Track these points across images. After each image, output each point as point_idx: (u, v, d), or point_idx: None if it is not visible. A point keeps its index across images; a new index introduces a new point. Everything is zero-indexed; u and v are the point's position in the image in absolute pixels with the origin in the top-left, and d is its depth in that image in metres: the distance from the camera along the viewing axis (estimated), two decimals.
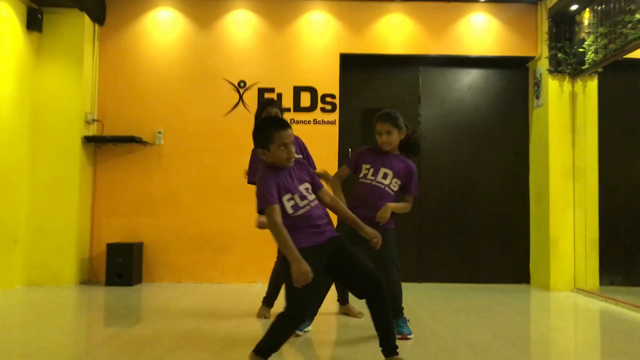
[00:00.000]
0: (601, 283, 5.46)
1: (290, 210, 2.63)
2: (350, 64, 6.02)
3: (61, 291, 5.20)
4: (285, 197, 2.63)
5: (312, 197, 2.72)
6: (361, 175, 3.52)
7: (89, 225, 5.76)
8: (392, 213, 3.44)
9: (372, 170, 3.49)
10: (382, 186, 3.44)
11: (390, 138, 3.45)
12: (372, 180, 3.47)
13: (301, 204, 2.67)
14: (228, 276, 5.71)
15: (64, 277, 5.45)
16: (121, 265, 5.43)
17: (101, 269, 5.59)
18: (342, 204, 2.92)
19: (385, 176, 3.46)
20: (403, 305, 3.53)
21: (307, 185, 2.73)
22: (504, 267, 6.01)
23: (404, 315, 3.54)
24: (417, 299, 4.98)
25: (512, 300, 5.03)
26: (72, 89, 5.57)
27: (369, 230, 2.79)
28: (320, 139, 5.71)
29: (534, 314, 4.74)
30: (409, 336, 3.44)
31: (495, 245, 6.02)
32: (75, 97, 5.57)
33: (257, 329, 3.74)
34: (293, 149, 2.68)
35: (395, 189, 3.47)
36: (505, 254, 6.03)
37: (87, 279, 5.71)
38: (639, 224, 5.78)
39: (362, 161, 3.55)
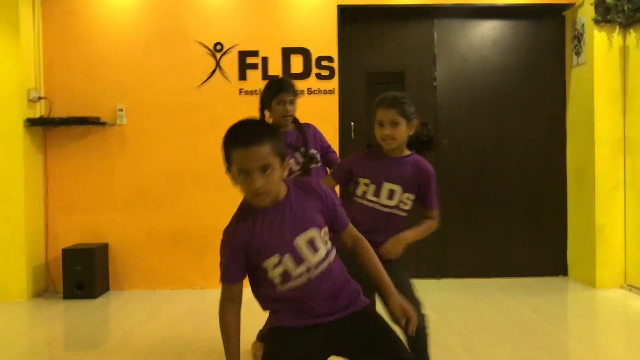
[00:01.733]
0: None
1: (276, 281, 1.70)
2: (351, 18, 4.93)
3: (9, 308, 4.34)
4: (269, 262, 1.69)
5: (319, 256, 1.73)
6: (358, 192, 2.51)
7: (42, 225, 4.80)
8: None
9: (372, 187, 2.48)
10: (388, 209, 2.45)
11: (396, 132, 2.44)
12: (373, 202, 2.47)
13: (295, 271, 1.70)
14: (211, 281, 4.79)
15: (13, 291, 4.53)
16: (81, 273, 4.51)
17: (60, 277, 4.67)
18: (372, 254, 1.89)
19: (391, 195, 2.45)
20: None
21: (314, 233, 1.73)
22: (537, 258, 5.11)
23: None
24: (439, 308, 4.09)
25: (555, 308, 4.15)
26: (8, 61, 4.52)
27: (397, 305, 1.80)
28: (316, 113, 4.62)
29: (575, 326, 3.83)
30: None
31: (526, 233, 5.10)
32: (13, 70, 4.52)
33: None
34: (257, 177, 1.67)
35: (408, 207, 2.48)
36: (539, 242, 5.11)
37: (44, 290, 4.80)
38: None
39: (359, 172, 2.54)
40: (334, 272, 1.77)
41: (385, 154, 2.51)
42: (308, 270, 1.71)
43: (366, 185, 2.49)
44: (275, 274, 1.69)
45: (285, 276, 1.70)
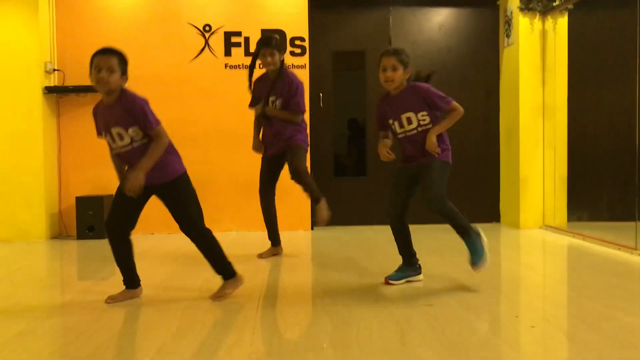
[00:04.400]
0: (569, 219, 5.60)
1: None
2: (320, 4, 5.86)
3: (31, 246, 5.12)
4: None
5: (123, 143, 2.92)
6: (395, 131, 3.33)
7: (57, 178, 5.63)
8: (442, 137, 3.23)
9: (396, 122, 3.29)
10: (415, 130, 3.24)
11: (395, 74, 3.19)
12: (403, 132, 3.28)
13: (112, 145, 2.98)
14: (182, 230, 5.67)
15: (34, 233, 5.35)
16: (92, 218, 5.35)
17: (72, 223, 5.50)
18: (156, 148, 2.93)
19: (409, 121, 3.24)
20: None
21: (119, 130, 2.91)
22: (475, 207, 6.10)
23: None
24: (391, 241, 5.03)
25: (488, 243, 5.11)
26: (29, 37, 5.31)
27: None
28: None
29: (505, 251, 4.86)
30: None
31: (466, 185, 6.09)
32: (33, 45, 5.32)
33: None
34: (102, 75, 2.85)
35: (427, 120, 3.21)
36: (476, 193, 6.12)
37: (58, 234, 5.63)
38: (606, 162, 5.89)
39: (385, 117, 3.34)
40: (138, 155, 2.92)
41: (392, 95, 3.26)
42: (117, 148, 2.96)
43: (392, 123, 3.29)
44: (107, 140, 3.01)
45: (110, 145, 3.01)
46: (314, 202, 4.27)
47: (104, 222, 3.11)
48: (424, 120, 3.23)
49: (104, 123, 2.98)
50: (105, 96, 2.95)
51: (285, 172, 4.27)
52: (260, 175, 4.37)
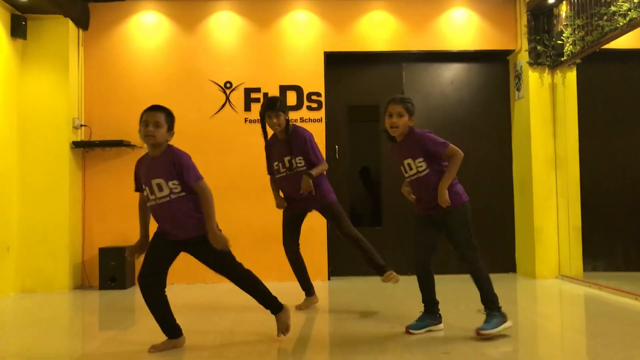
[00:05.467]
0: (585, 269, 5.62)
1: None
2: (335, 62, 6.10)
3: (55, 297, 5.23)
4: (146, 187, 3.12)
5: (161, 194, 3.05)
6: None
7: (80, 230, 5.79)
8: (452, 186, 3.34)
9: (401, 167, 3.49)
10: (415, 176, 3.40)
11: (400, 121, 3.39)
12: (408, 177, 3.46)
13: (150, 197, 3.10)
14: (221, 276, 5.75)
15: (58, 283, 5.48)
16: (114, 269, 5.47)
17: (94, 274, 5.63)
18: (207, 205, 3.12)
19: (409, 166, 3.42)
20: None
21: (160, 181, 3.05)
22: (490, 257, 6.11)
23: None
24: (408, 290, 5.08)
25: (500, 289, 5.07)
26: (59, 95, 5.59)
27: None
28: None
29: (521, 301, 4.88)
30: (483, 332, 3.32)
31: (481, 236, 6.10)
32: (62, 102, 5.59)
33: (256, 322, 3.82)
34: (149, 129, 3.03)
35: (424, 167, 3.35)
36: (492, 243, 6.16)
37: (80, 284, 5.74)
38: (619, 211, 5.95)
39: (396, 161, 3.55)
40: (174, 207, 3.06)
41: (397, 141, 3.46)
42: (155, 199, 3.08)
43: (400, 168, 3.52)
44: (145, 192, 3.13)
45: (148, 197, 3.12)
46: (379, 272, 4.29)
47: (137, 277, 3.22)
48: (420, 167, 3.37)
49: (145, 174, 3.13)
50: (152, 149, 3.13)
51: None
52: (283, 229, 4.43)
